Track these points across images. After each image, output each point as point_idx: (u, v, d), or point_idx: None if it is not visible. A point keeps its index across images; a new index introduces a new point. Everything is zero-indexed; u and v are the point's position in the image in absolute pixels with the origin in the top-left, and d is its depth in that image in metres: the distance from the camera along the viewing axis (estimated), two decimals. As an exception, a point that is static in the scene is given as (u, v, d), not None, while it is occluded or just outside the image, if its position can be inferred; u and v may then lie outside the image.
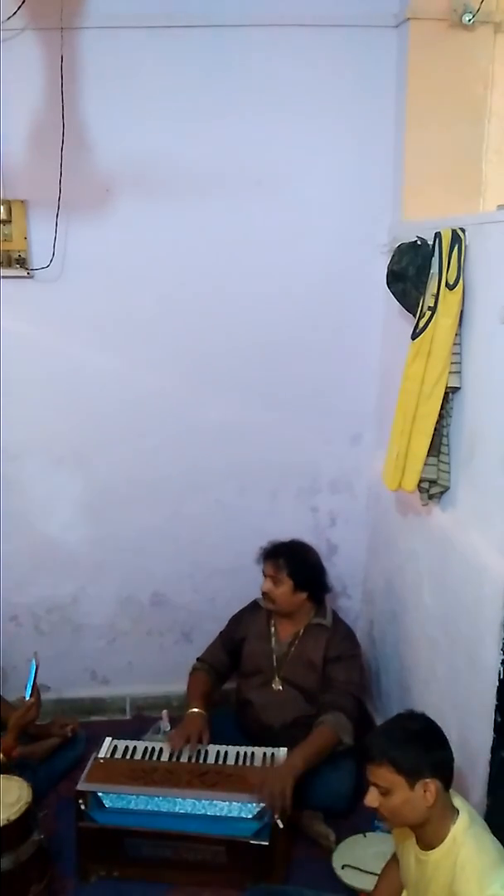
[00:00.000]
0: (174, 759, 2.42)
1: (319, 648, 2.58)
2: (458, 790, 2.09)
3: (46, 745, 2.66)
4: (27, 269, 2.63)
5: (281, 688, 2.60)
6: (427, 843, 1.71)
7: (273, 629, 2.67)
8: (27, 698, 2.41)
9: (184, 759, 2.42)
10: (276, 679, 2.61)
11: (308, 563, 2.64)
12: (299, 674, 2.59)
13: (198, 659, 2.76)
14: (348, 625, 2.74)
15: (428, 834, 1.70)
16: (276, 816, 2.17)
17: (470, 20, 2.41)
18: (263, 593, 2.62)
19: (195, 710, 2.54)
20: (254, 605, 2.76)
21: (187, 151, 2.61)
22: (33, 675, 2.43)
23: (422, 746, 1.69)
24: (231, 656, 2.73)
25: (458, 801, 1.73)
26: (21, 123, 2.51)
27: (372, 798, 1.72)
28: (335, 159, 2.67)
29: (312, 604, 2.65)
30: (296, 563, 2.59)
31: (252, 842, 2.18)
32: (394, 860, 1.96)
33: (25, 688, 2.43)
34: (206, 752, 2.44)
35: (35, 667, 2.43)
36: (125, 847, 2.25)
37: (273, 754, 2.42)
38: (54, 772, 2.64)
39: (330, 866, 2.28)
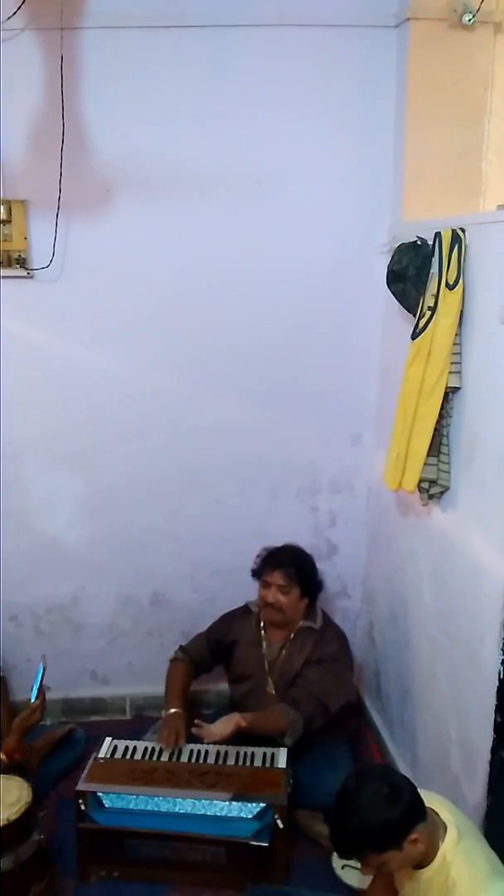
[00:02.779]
0: (174, 759, 2.43)
1: (306, 650, 2.57)
2: (458, 790, 2.10)
3: (47, 740, 2.67)
4: (27, 269, 2.63)
5: (275, 692, 2.59)
6: (418, 863, 1.69)
7: (263, 633, 2.66)
8: (32, 700, 2.41)
9: (183, 758, 2.42)
10: (270, 684, 2.60)
11: (312, 569, 2.63)
12: (290, 678, 2.57)
13: (181, 647, 2.76)
14: (339, 627, 2.72)
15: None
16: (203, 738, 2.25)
17: (470, 20, 2.41)
18: (269, 604, 2.56)
19: (174, 710, 2.56)
20: (245, 610, 2.74)
21: (187, 151, 2.61)
22: (39, 678, 2.42)
23: (387, 814, 1.60)
24: (213, 655, 2.73)
25: (445, 814, 1.70)
26: (21, 123, 2.51)
27: (368, 871, 1.70)
28: (335, 159, 2.67)
29: (306, 606, 2.64)
30: (303, 570, 2.58)
31: (252, 843, 2.18)
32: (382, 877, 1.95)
33: (31, 690, 2.43)
34: (207, 751, 2.44)
35: (42, 670, 2.43)
36: (125, 847, 2.25)
37: (273, 754, 2.42)
38: (54, 772, 2.64)
39: (330, 866, 2.29)
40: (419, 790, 1.72)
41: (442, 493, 2.18)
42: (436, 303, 2.06)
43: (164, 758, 2.43)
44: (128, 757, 2.44)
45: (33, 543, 2.94)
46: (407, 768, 2.62)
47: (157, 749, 2.47)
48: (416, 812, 1.64)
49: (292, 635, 2.61)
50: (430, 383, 2.08)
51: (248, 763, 2.40)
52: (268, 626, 2.65)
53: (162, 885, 2.27)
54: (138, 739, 2.57)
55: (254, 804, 2.23)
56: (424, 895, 1.69)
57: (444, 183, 2.55)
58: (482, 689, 1.95)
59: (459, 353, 2.05)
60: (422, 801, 1.67)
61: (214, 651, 2.73)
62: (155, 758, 2.43)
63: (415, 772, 2.54)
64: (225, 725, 2.32)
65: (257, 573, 2.63)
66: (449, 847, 1.64)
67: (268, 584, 2.57)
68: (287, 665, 2.59)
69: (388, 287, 2.37)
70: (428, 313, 2.09)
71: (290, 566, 2.56)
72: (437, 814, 1.70)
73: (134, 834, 2.24)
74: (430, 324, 2.08)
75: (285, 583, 2.54)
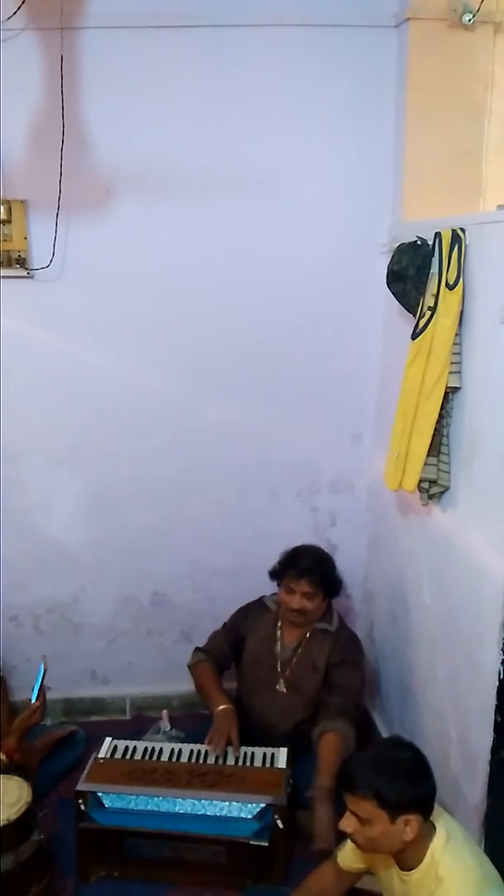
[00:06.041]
0: (174, 759, 2.42)
1: (323, 653, 2.56)
2: (458, 790, 2.10)
3: (47, 740, 2.67)
4: (27, 269, 2.63)
5: (285, 691, 2.59)
6: (406, 865, 1.71)
7: (279, 633, 2.64)
8: (33, 701, 2.41)
9: (183, 758, 2.42)
10: (281, 683, 2.60)
11: (334, 570, 2.61)
12: (303, 679, 2.57)
13: (199, 649, 2.72)
14: (352, 630, 2.71)
15: (406, 857, 1.71)
16: (319, 842, 2.14)
17: (470, 20, 2.41)
18: (295, 610, 2.53)
19: (224, 706, 2.51)
20: (261, 604, 2.72)
21: (187, 151, 2.61)
22: (40, 679, 2.42)
23: (408, 780, 1.66)
24: (234, 649, 2.71)
25: (437, 819, 1.72)
26: (21, 123, 2.51)
27: (348, 824, 1.71)
28: (335, 159, 2.67)
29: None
30: (328, 575, 2.57)
31: (252, 842, 2.18)
32: (329, 864, 1.97)
33: (32, 690, 2.43)
34: (206, 752, 2.44)
35: (43, 670, 2.43)
36: (125, 847, 2.25)
37: (273, 754, 2.42)
38: (54, 772, 2.64)
39: (330, 866, 2.28)
40: None
41: (442, 493, 2.19)
42: (436, 303, 2.06)
43: (164, 758, 2.43)
44: (128, 757, 2.44)
45: (33, 543, 2.94)
46: (407, 768, 2.62)
47: (157, 749, 2.47)
48: (423, 804, 1.67)
49: (308, 635, 2.60)
50: (430, 383, 2.08)
51: (248, 763, 2.40)
52: (285, 625, 2.64)
53: (162, 886, 2.27)
54: (138, 739, 2.57)
55: (254, 804, 2.23)
56: (414, 895, 1.69)
57: (444, 183, 2.55)
58: (482, 689, 1.95)
59: (459, 353, 2.05)
60: (432, 806, 1.70)
61: (234, 646, 2.70)
62: (155, 758, 2.43)
63: (415, 772, 2.54)
64: (324, 808, 2.18)
65: (278, 576, 2.60)
66: (437, 847, 1.66)
67: (292, 590, 2.54)
68: (302, 667, 2.58)
69: (388, 287, 2.37)
70: (428, 313, 2.09)
71: (316, 573, 2.53)
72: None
73: (134, 834, 2.24)
74: (430, 324, 2.08)
75: (312, 590, 2.52)
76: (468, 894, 1.58)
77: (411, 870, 1.69)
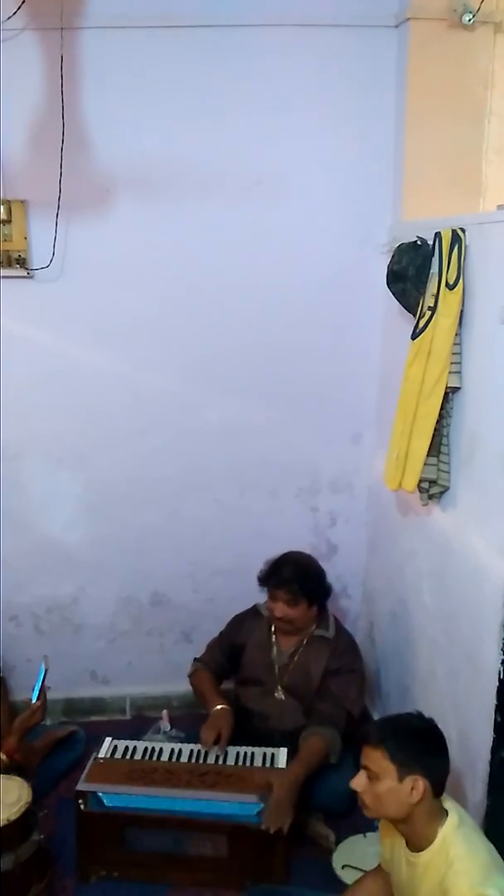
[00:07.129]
0: (174, 759, 2.42)
1: (321, 660, 2.55)
2: (458, 790, 2.10)
3: (47, 740, 2.67)
4: (27, 269, 2.63)
5: (283, 697, 2.58)
6: (416, 846, 1.71)
7: (274, 639, 2.64)
8: (34, 701, 2.41)
9: (183, 758, 2.42)
10: (279, 689, 2.59)
11: (317, 577, 2.59)
12: (301, 685, 2.57)
13: (196, 659, 2.73)
14: (350, 634, 2.71)
15: (416, 835, 1.70)
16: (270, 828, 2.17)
17: (470, 20, 2.41)
18: (278, 618, 2.54)
19: (221, 706, 2.52)
20: (254, 612, 2.72)
21: (187, 151, 2.62)
22: (41, 679, 2.42)
23: (421, 745, 1.70)
24: (229, 660, 2.71)
25: (448, 804, 1.73)
26: (21, 123, 2.51)
27: (359, 781, 1.73)
28: (335, 159, 2.67)
29: (317, 612, 2.63)
30: (307, 583, 2.54)
31: (252, 826, 2.17)
32: (377, 872, 1.96)
33: (32, 690, 2.43)
34: (206, 752, 2.44)
35: (44, 670, 2.43)
36: (126, 839, 2.25)
37: (273, 755, 2.42)
38: (54, 772, 2.64)
39: (330, 866, 2.29)
40: None
41: (442, 493, 2.19)
42: (436, 303, 2.07)
43: (164, 758, 2.42)
44: (128, 757, 2.43)
45: (33, 543, 2.94)
46: (407, 768, 2.62)
47: (157, 749, 2.47)
48: (438, 774, 1.69)
49: (304, 642, 2.59)
50: (430, 383, 2.08)
51: (248, 763, 2.40)
52: (278, 631, 2.63)
53: (162, 886, 2.27)
54: (138, 739, 2.57)
55: (254, 804, 2.23)
56: (422, 877, 1.70)
57: (444, 183, 2.55)
58: (482, 689, 1.95)
59: (459, 353, 2.05)
60: (443, 783, 1.71)
61: (229, 656, 2.70)
62: (155, 758, 2.43)
63: (415, 772, 2.54)
64: (285, 793, 2.24)
65: (263, 584, 2.60)
66: (449, 830, 1.67)
67: (275, 598, 2.54)
68: (299, 672, 2.57)
69: (388, 287, 2.37)
70: (428, 313, 2.09)
71: (294, 582, 2.51)
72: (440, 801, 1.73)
73: (136, 820, 2.22)
74: (430, 324, 2.08)
75: (291, 597, 2.51)
76: (480, 877, 1.57)
77: (421, 851, 1.69)
